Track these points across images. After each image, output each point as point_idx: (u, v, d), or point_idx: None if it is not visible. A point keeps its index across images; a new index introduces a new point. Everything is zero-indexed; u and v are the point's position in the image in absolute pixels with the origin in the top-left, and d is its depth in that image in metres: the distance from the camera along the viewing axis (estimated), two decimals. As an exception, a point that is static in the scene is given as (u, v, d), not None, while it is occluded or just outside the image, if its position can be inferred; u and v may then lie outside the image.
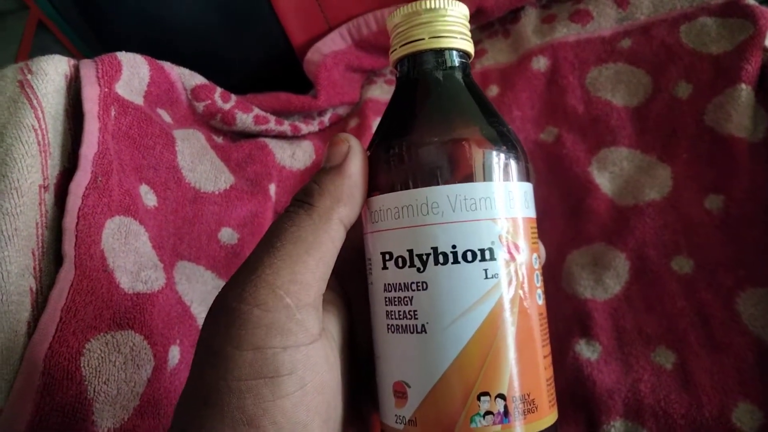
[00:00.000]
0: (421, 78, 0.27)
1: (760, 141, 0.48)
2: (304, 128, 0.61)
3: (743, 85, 0.49)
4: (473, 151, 0.24)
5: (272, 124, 0.58)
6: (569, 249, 0.52)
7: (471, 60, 0.28)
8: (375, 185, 0.26)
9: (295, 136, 0.61)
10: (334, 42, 0.65)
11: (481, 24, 0.66)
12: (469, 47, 0.27)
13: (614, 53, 0.57)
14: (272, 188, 0.55)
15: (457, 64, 0.27)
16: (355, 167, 0.25)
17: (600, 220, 0.52)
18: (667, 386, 0.43)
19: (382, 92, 0.65)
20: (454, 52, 0.27)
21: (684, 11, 0.56)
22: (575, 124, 0.56)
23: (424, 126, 0.26)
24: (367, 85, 0.67)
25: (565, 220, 0.53)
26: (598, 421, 0.43)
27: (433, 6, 0.26)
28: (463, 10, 0.27)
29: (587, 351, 0.46)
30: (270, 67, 0.68)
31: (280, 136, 0.60)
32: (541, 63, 0.60)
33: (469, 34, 0.27)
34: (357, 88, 0.66)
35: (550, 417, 0.25)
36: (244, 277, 0.23)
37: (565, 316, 0.48)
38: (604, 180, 0.53)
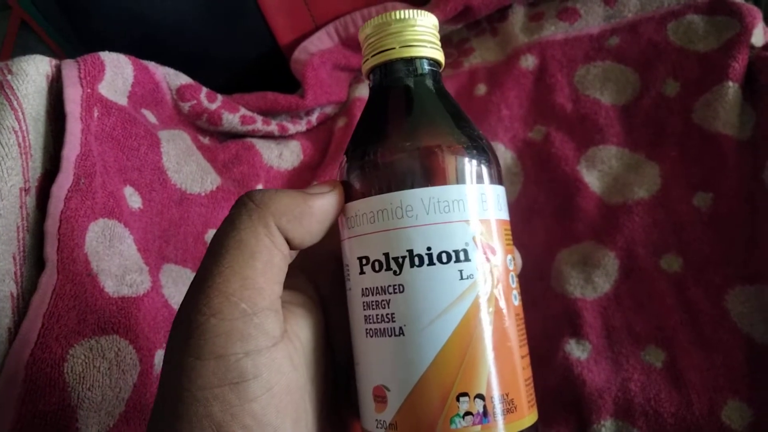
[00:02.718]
0: (393, 86, 0.27)
1: (748, 138, 0.49)
2: (292, 128, 0.60)
3: (730, 83, 0.49)
4: (445, 154, 0.25)
5: (259, 124, 0.58)
6: (558, 248, 0.52)
7: (442, 69, 0.29)
8: (350, 192, 0.26)
9: (282, 136, 0.60)
10: (321, 41, 0.64)
11: (469, 22, 0.66)
12: (438, 56, 0.28)
13: (602, 51, 0.57)
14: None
15: (427, 72, 0.27)
16: (323, 202, 0.25)
17: (589, 218, 0.51)
18: (657, 385, 0.43)
19: (369, 91, 0.65)
20: (424, 61, 0.27)
21: (671, 9, 0.56)
22: (564, 122, 0.56)
23: (396, 132, 0.26)
24: (355, 84, 0.66)
25: (554, 219, 0.53)
26: (589, 421, 0.43)
27: (402, 17, 0.27)
28: (433, 20, 0.28)
29: (577, 350, 0.46)
30: (256, 67, 0.67)
31: (268, 136, 0.59)
32: (529, 61, 0.60)
33: (438, 43, 0.28)
34: (344, 87, 0.65)
35: (530, 417, 0.25)
36: (196, 289, 0.22)
37: (554, 315, 0.48)
38: (592, 178, 0.53)
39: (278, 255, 0.24)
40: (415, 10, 0.27)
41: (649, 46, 0.55)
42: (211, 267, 0.23)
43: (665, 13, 0.56)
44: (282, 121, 0.60)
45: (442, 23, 0.61)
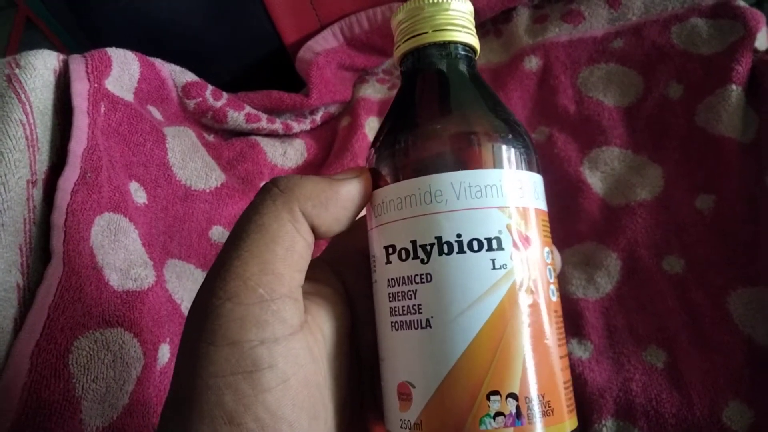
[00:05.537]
0: (426, 70, 0.26)
1: (751, 141, 0.49)
2: (296, 127, 0.60)
3: (734, 86, 0.50)
4: (481, 138, 0.24)
5: (264, 122, 0.58)
6: (561, 248, 0.52)
7: (477, 55, 0.28)
8: (379, 180, 0.25)
9: (286, 135, 0.61)
10: (326, 40, 0.64)
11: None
12: (473, 41, 0.27)
13: (606, 53, 0.58)
14: (263, 186, 0.54)
15: (461, 57, 0.26)
16: (349, 187, 0.24)
17: (591, 219, 0.52)
18: (658, 385, 0.43)
19: (374, 91, 0.65)
20: (458, 45, 0.26)
21: (675, 12, 0.56)
22: (567, 123, 0.56)
23: (428, 116, 0.25)
24: (359, 84, 0.66)
25: (557, 220, 0.53)
26: (590, 420, 0.43)
27: (436, 0, 0.26)
28: (468, 6, 0.27)
29: (579, 350, 0.46)
30: (262, 66, 0.68)
31: (272, 134, 0.59)
32: (533, 63, 0.60)
33: (473, 29, 0.27)
34: (349, 86, 0.66)
35: (569, 423, 0.23)
36: (214, 273, 0.22)
37: (556, 315, 0.48)
38: (595, 179, 0.53)
39: (301, 242, 0.23)
40: None
41: (653, 49, 0.55)
42: (230, 250, 0.22)
43: (669, 16, 0.56)
44: (286, 120, 0.60)
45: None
